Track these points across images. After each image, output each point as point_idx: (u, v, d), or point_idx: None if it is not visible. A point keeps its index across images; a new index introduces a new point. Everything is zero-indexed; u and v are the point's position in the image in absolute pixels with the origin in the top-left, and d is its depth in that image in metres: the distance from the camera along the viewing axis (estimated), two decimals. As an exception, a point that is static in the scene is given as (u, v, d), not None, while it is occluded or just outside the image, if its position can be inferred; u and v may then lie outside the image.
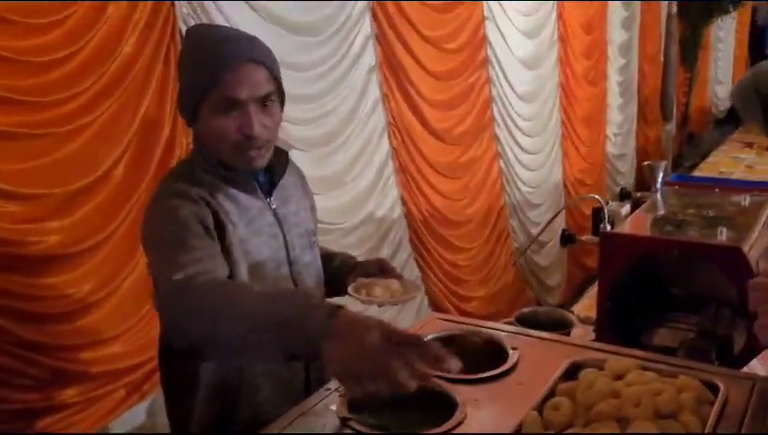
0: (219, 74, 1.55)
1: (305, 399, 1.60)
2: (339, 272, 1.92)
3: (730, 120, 10.75)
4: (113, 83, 2.47)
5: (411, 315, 3.90)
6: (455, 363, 1.19)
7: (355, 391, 1.18)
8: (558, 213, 4.41)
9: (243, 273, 1.60)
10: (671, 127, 7.90)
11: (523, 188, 5.39)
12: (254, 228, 1.65)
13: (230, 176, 1.64)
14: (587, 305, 4.39)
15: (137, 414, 3.10)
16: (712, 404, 1.51)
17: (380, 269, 1.86)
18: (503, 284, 5.05)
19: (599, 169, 6.87)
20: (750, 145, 7.48)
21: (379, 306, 1.87)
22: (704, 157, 6.98)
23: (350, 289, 1.76)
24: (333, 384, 1.63)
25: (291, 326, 1.21)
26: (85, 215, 2.46)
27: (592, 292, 3.92)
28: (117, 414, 2.71)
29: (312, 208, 1.92)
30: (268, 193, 1.72)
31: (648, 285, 2.45)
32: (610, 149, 7.37)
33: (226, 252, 1.57)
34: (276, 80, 1.65)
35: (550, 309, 2.68)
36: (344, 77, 3.61)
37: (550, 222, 3.89)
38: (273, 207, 1.71)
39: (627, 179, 7.50)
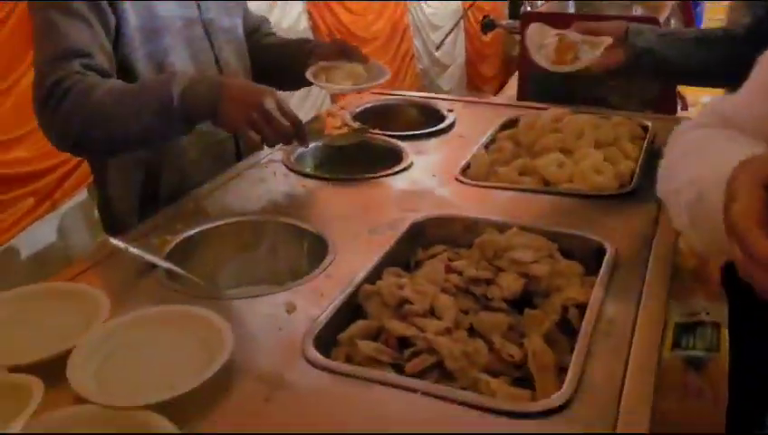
0: None
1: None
2: (296, 57, 1.68)
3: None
4: None
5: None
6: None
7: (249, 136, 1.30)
8: (458, 21, 4.34)
9: (135, 24, 1.37)
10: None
11: (427, 10, 5.28)
12: None
13: None
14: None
15: (48, 233, 2.98)
16: (643, 139, 1.60)
17: (341, 51, 1.65)
18: (408, 105, 5.05)
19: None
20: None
21: (341, 94, 1.74)
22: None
23: (308, 73, 1.58)
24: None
25: (185, 101, 1.26)
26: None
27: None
28: (27, 224, 2.58)
29: None
30: None
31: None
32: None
33: (117, 7, 1.35)
34: None
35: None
36: None
37: (451, 31, 3.84)
38: None
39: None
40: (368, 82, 1.60)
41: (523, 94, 2.44)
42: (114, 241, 1.11)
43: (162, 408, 0.79)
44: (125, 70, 1.37)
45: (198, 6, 1.51)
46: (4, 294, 1.01)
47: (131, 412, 0.78)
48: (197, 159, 1.51)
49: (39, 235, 2.87)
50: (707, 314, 1.64)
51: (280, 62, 1.71)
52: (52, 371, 0.83)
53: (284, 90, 1.78)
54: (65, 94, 1.27)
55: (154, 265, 1.13)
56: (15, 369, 0.84)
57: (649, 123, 1.66)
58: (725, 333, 1.58)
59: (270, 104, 1.28)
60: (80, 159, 2.62)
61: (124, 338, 0.92)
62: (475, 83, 6.40)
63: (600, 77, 2.37)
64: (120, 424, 0.78)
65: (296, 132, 1.33)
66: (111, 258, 1.16)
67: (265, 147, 1.57)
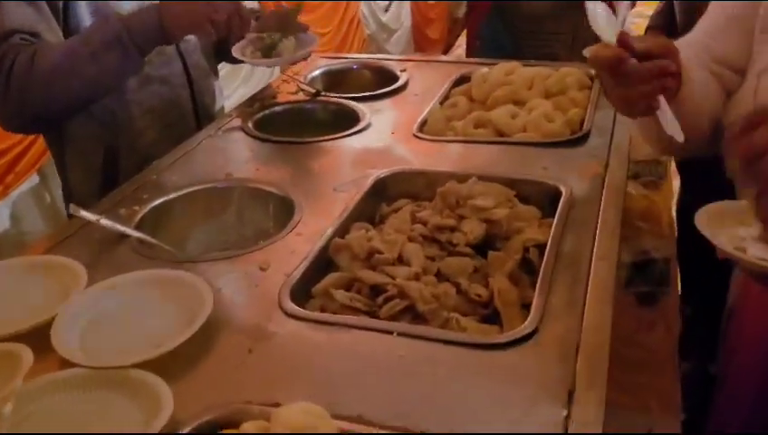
0: None
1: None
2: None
3: None
4: None
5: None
6: None
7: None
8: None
9: (85, 8, 1.38)
10: None
11: (370, -27, 5.27)
12: None
13: None
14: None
15: (1, 220, 2.93)
16: (590, 88, 1.66)
17: (280, 22, 1.63)
18: (358, 71, 5.05)
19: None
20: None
21: (268, 67, 1.75)
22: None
23: (234, 50, 1.57)
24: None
25: (131, 28, 1.30)
26: None
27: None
28: (-20, 211, 2.54)
29: None
30: None
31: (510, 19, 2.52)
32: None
33: None
34: None
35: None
36: None
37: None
38: None
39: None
40: (293, 54, 1.59)
41: (471, 53, 2.48)
42: (85, 213, 1.12)
43: (149, 366, 0.82)
44: None
45: None
46: (-22, 271, 1.02)
47: (122, 371, 0.81)
48: (156, 140, 1.51)
49: (-8, 221, 2.83)
50: (657, 251, 1.73)
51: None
52: (37, 340, 0.85)
53: (232, 63, 1.80)
54: (10, 68, 1.26)
55: (125, 236, 1.14)
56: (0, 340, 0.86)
57: (594, 72, 1.72)
58: (676, 267, 1.67)
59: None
60: (29, 141, 2.58)
61: (105, 303, 0.94)
62: (422, 47, 6.40)
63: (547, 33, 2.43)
64: (110, 383, 0.81)
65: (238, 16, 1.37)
66: (82, 231, 1.17)
67: (225, 114, 1.59)
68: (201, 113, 1.62)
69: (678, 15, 1.81)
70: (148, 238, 1.15)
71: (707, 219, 0.88)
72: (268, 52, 1.58)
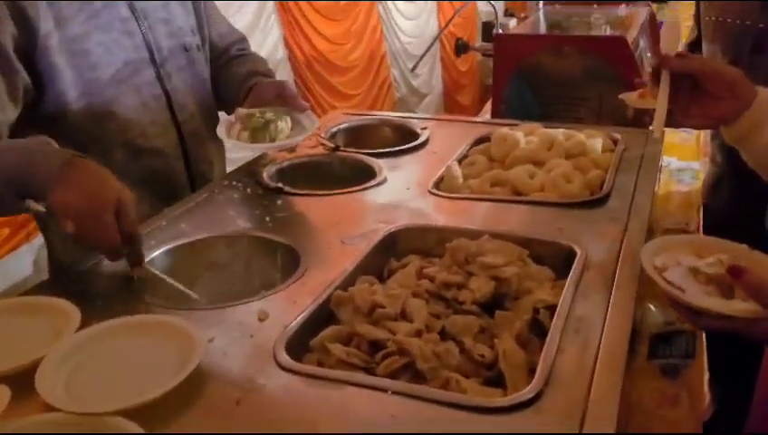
0: None
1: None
2: (239, 92, 1.58)
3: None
4: None
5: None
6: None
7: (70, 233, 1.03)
8: (434, 41, 4.40)
9: (70, 77, 1.29)
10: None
11: (403, 38, 5.37)
12: (98, 23, 1.32)
13: None
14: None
15: (24, 266, 2.96)
16: (612, 151, 1.63)
17: (278, 95, 1.52)
18: (387, 133, 5.11)
19: (470, 24, 6.94)
20: None
21: (253, 152, 1.58)
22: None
23: (218, 128, 1.46)
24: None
25: (23, 170, 1.06)
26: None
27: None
28: (2, 254, 2.56)
29: (196, 8, 1.57)
30: None
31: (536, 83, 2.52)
32: (481, 6, 7.44)
33: (42, 60, 1.25)
34: None
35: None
36: None
37: (426, 52, 3.88)
38: None
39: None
40: (287, 138, 1.46)
41: (497, 114, 2.47)
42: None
43: (132, 414, 0.78)
44: (61, 123, 1.30)
45: (148, 46, 1.42)
46: (-27, 309, 1.00)
47: (100, 418, 0.78)
48: (149, 214, 1.38)
49: (15, 267, 2.85)
50: (683, 322, 1.65)
51: (226, 92, 1.64)
52: (23, 382, 0.82)
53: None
54: None
55: (129, 279, 1.13)
56: (-17, 380, 0.83)
57: (619, 136, 1.69)
58: (703, 339, 1.59)
59: (103, 203, 1.03)
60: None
61: (95, 347, 0.91)
62: (453, 112, 6.48)
63: (573, 98, 2.42)
64: (88, 430, 0.77)
65: (128, 248, 1.08)
66: (84, 273, 1.15)
67: (239, 167, 1.58)
68: (197, 183, 1.56)
69: (704, 48, 1.79)
70: (158, 273, 1.12)
71: (655, 248, 0.99)
72: (258, 133, 1.42)
